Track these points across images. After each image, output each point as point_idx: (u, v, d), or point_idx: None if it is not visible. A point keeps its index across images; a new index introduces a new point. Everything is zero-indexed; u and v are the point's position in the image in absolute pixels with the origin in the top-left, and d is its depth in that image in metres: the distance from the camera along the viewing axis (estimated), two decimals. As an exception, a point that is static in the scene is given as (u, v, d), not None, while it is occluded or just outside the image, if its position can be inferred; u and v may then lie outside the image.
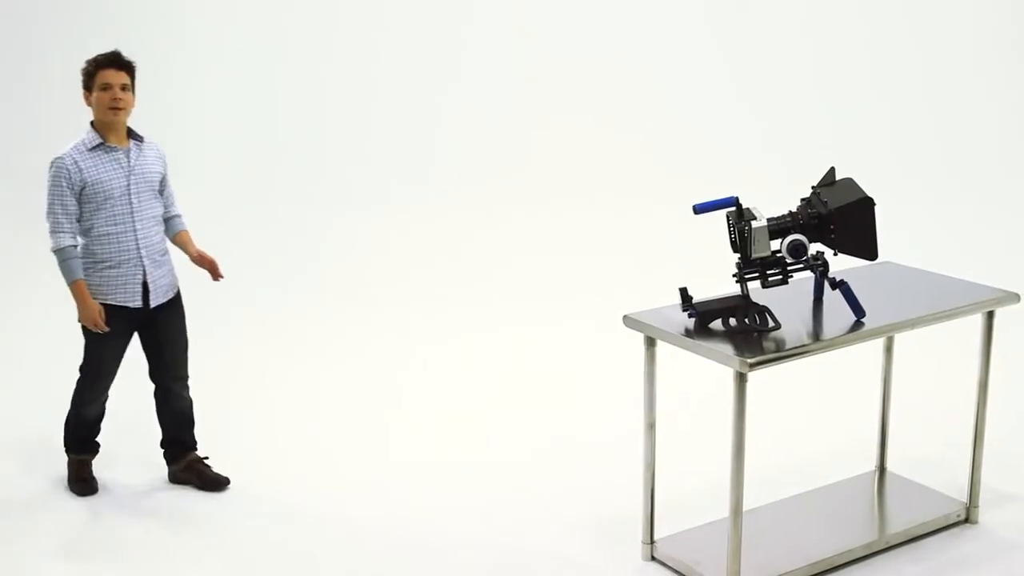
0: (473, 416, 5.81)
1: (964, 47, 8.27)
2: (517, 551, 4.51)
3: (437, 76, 8.89)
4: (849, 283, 4.17)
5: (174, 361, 4.95)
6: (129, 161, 4.74)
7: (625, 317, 4.21)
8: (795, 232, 4.05)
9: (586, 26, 8.77)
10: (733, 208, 4.04)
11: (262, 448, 5.41)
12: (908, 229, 7.55)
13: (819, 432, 5.54)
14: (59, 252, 4.66)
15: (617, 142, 8.66)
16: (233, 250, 6.76)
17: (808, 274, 4.38)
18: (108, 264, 4.71)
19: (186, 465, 5.06)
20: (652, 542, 4.38)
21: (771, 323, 4.01)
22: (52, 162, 4.68)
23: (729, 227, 4.06)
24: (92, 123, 4.77)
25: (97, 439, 5.05)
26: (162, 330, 4.89)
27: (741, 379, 3.82)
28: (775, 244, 4.06)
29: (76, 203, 4.67)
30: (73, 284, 4.67)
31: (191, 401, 5.06)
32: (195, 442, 5.10)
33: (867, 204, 4.05)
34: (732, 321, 4.03)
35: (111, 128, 4.73)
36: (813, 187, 4.20)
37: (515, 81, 8.80)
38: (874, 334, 4.09)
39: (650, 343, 4.18)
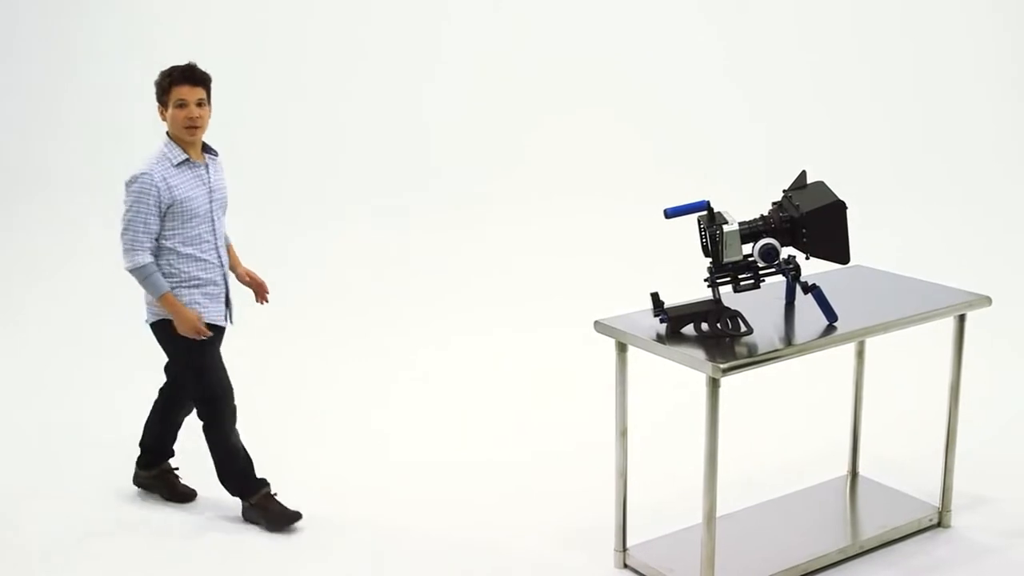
0: (445, 421, 5.78)
1: (942, 51, 8.29)
2: (488, 558, 4.46)
3: (418, 80, 8.82)
4: (821, 287, 4.16)
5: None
6: (209, 177, 4.59)
7: (596, 322, 4.18)
8: (767, 236, 4.03)
9: (558, 34, 8.74)
10: (704, 212, 4.02)
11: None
12: (880, 232, 7.55)
13: (791, 437, 5.53)
14: (139, 270, 4.43)
15: (598, 147, 8.62)
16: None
17: (780, 278, 4.37)
18: (194, 283, 4.53)
19: (159, 474, 4.96)
20: (625, 549, 4.35)
21: (743, 328, 3.99)
22: (136, 177, 4.43)
23: (700, 231, 4.04)
24: (168, 134, 4.55)
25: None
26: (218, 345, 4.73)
27: (714, 384, 3.79)
28: (747, 248, 4.05)
29: (159, 221, 4.45)
30: (163, 298, 4.45)
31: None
32: (173, 452, 5.01)
33: (839, 208, 4.03)
34: (704, 326, 4.00)
35: (190, 144, 4.54)
36: (784, 191, 4.18)
37: (503, 86, 8.72)
38: (846, 338, 4.07)
39: (621, 349, 4.15)
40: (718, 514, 4.02)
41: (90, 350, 6.79)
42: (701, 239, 4.04)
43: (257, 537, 4.64)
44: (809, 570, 4.28)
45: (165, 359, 4.78)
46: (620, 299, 5.80)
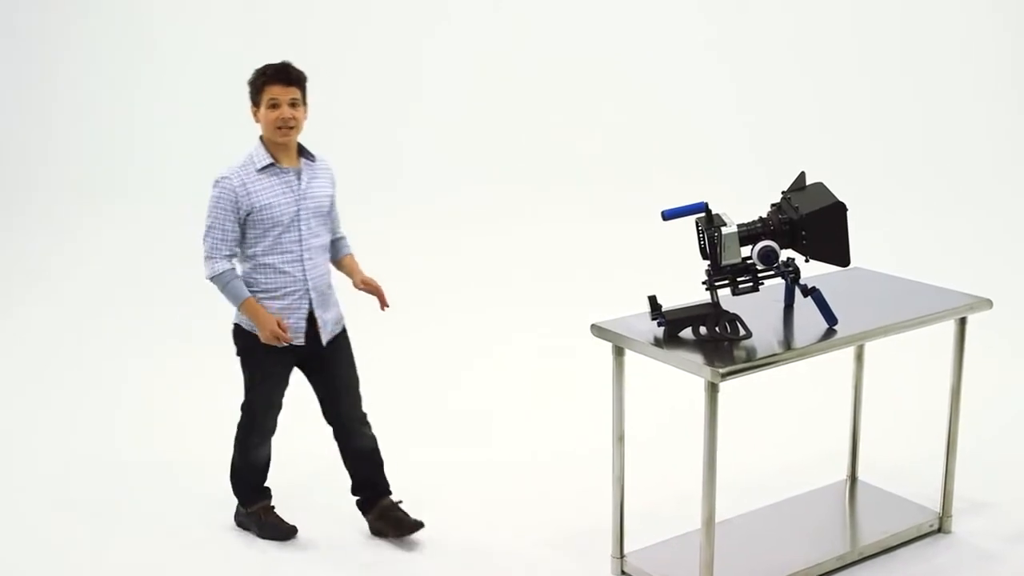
0: (442, 426, 5.74)
1: (942, 53, 8.26)
2: (484, 564, 4.42)
3: (418, 80, 8.79)
4: (821, 290, 4.10)
5: (348, 401, 4.55)
6: (300, 184, 4.32)
7: (593, 326, 4.13)
8: (766, 238, 3.99)
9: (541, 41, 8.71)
10: (703, 214, 3.97)
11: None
12: (880, 234, 7.51)
13: (790, 441, 5.49)
14: (218, 278, 4.25)
15: (597, 147, 8.58)
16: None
17: (779, 281, 4.32)
18: (272, 295, 4.30)
19: (379, 513, 4.62)
20: (622, 556, 4.30)
21: (742, 332, 3.94)
22: (217, 181, 4.25)
23: (699, 233, 3.99)
24: (261, 138, 4.34)
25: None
26: (330, 368, 4.48)
27: (712, 389, 3.75)
28: (745, 251, 4.00)
29: (238, 228, 4.25)
30: (243, 304, 4.25)
31: (375, 439, 4.63)
32: (387, 485, 4.65)
33: (839, 209, 3.99)
34: (702, 330, 3.95)
35: (282, 148, 4.30)
36: (783, 192, 4.13)
37: (503, 86, 8.69)
38: (846, 342, 4.03)
39: (619, 352, 4.10)
40: (716, 520, 3.97)
41: (90, 350, 6.75)
42: (699, 241, 3.99)
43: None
44: (808, 577, 4.24)
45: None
46: (617, 302, 5.75)
